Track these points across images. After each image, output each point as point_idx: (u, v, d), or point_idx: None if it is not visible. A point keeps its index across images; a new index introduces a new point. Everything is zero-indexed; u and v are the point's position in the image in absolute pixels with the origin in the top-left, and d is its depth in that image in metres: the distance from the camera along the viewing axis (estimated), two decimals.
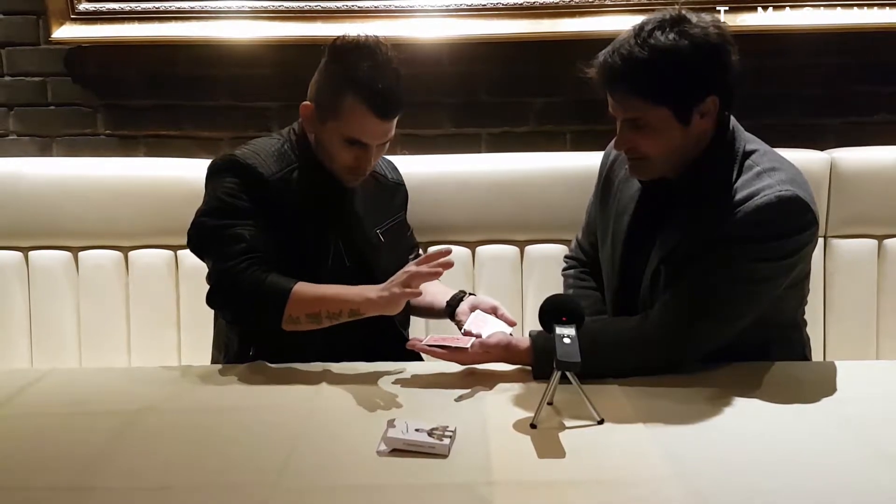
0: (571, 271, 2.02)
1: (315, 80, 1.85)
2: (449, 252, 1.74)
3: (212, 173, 1.86)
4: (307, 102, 1.84)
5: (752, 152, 1.68)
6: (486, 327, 1.76)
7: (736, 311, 1.64)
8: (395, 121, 1.82)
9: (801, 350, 1.85)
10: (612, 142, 1.73)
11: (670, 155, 1.66)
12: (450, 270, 2.30)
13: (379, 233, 1.96)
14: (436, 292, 1.99)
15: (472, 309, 1.86)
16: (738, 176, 1.65)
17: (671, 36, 1.58)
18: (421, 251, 2.24)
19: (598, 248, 1.90)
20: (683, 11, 1.62)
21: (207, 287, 1.79)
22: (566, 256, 2.08)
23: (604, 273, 1.87)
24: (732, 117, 1.70)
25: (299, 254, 1.83)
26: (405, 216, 2.12)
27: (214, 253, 1.79)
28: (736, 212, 1.60)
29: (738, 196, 1.62)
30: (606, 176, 1.90)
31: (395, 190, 2.09)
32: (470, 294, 1.95)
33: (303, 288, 1.74)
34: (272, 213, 1.80)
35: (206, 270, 1.89)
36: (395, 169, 2.12)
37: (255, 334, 1.85)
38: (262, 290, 1.73)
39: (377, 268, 1.88)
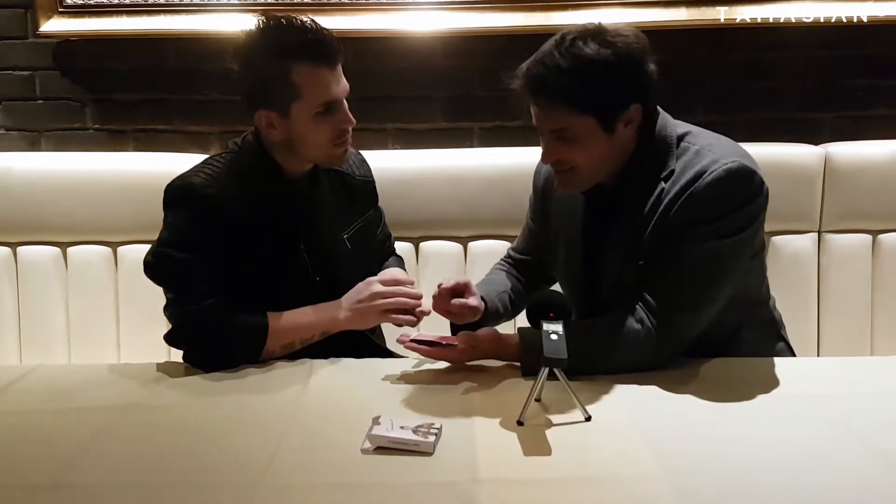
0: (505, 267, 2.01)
1: (248, 90, 1.78)
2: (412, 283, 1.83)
3: (170, 202, 1.79)
4: (258, 113, 1.77)
5: (684, 135, 1.68)
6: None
7: (711, 294, 1.64)
8: (341, 68, 1.76)
9: (774, 329, 1.84)
10: (540, 158, 1.72)
11: (597, 164, 1.66)
12: (441, 266, 2.31)
13: (346, 238, 1.91)
14: None
15: None
16: (677, 159, 1.65)
17: (592, 46, 1.58)
18: (402, 245, 2.22)
19: (550, 267, 1.89)
20: (602, 24, 1.63)
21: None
22: (503, 260, 2.05)
23: (564, 287, 1.86)
24: (660, 108, 1.69)
25: (267, 273, 1.79)
26: (374, 211, 2.04)
27: (176, 290, 1.76)
28: (688, 194, 1.60)
29: (685, 179, 1.62)
30: (542, 193, 1.89)
31: (363, 188, 2.00)
32: None
33: (275, 322, 1.75)
34: (235, 240, 1.76)
35: None
36: (364, 162, 2.04)
37: None
38: (237, 333, 1.73)
39: (344, 276, 1.84)
